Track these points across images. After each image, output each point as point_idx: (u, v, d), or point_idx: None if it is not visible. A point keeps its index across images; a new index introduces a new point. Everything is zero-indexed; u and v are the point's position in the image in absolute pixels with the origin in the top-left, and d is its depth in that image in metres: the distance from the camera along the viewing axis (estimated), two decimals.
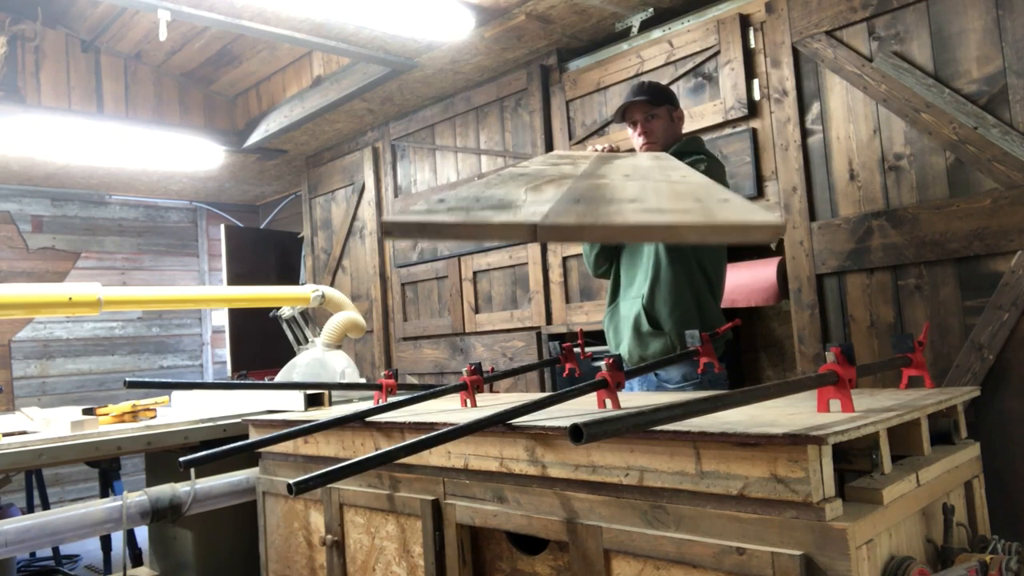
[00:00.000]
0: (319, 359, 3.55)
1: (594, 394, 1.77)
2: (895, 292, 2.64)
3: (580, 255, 3.52)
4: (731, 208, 1.01)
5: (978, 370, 2.41)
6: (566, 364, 2.41)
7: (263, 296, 3.74)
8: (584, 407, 1.82)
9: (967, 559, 1.43)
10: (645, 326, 2.46)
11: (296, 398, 2.70)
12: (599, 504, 1.53)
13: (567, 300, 3.79)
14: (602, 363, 1.76)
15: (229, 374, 6.26)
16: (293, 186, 6.57)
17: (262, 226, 7.29)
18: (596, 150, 2.48)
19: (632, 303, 2.52)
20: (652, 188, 1.26)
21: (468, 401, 2.19)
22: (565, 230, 0.95)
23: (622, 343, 2.57)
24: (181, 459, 1.88)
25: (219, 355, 6.92)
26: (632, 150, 2.65)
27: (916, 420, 1.50)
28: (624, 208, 1.05)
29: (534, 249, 3.93)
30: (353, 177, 5.17)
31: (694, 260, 2.46)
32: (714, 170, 2.40)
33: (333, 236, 5.39)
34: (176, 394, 3.44)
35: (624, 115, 2.55)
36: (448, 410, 2.16)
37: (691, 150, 2.50)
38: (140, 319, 6.57)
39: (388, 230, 0.99)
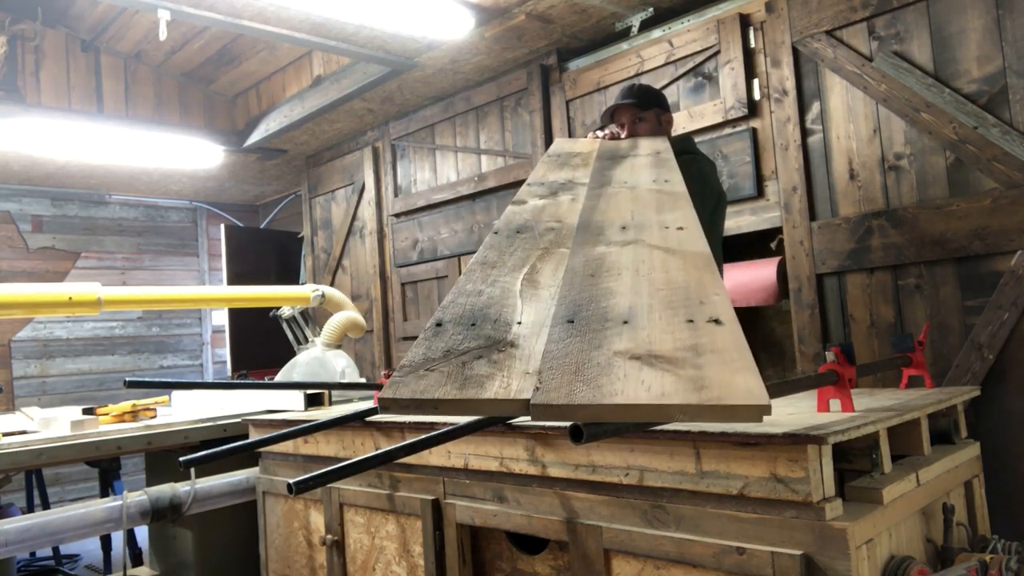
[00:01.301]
0: (319, 359, 3.55)
1: None
2: (895, 292, 2.63)
3: None
4: (720, 363, 1.03)
5: (978, 370, 2.41)
6: None
7: (263, 296, 3.74)
8: None
9: (967, 559, 1.43)
10: None
11: (296, 398, 2.70)
12: (599, 504, 1.53)
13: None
14: None
15: (229, 374, 6.26)
16: (293, 186, 6.57)
17: (262, 226, 7.29)
18: (597, 136, 2.48)
19: None
20: (647, 282, 1.27)
21: None
22: (556, 411, 0.99)
23: None
24: (181, 459, 1.88)
25: (219, 355, 6.92)
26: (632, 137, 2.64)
27: (916, 420, 1.50)
28: (614, 355, 1.07)
29: None
30: (353, 177, 5.17)
31: None
32: (705, 169, 2.41)
33: (333, 236, 5.39)
34: (176, 394, 3.44)
35: (612, 117, 2.55)
36: None
37: (682, 148, 2.49)
38: (140, 319, 6.57)
39: (386, 406, 1.03)
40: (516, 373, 1.05)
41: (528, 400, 0.98)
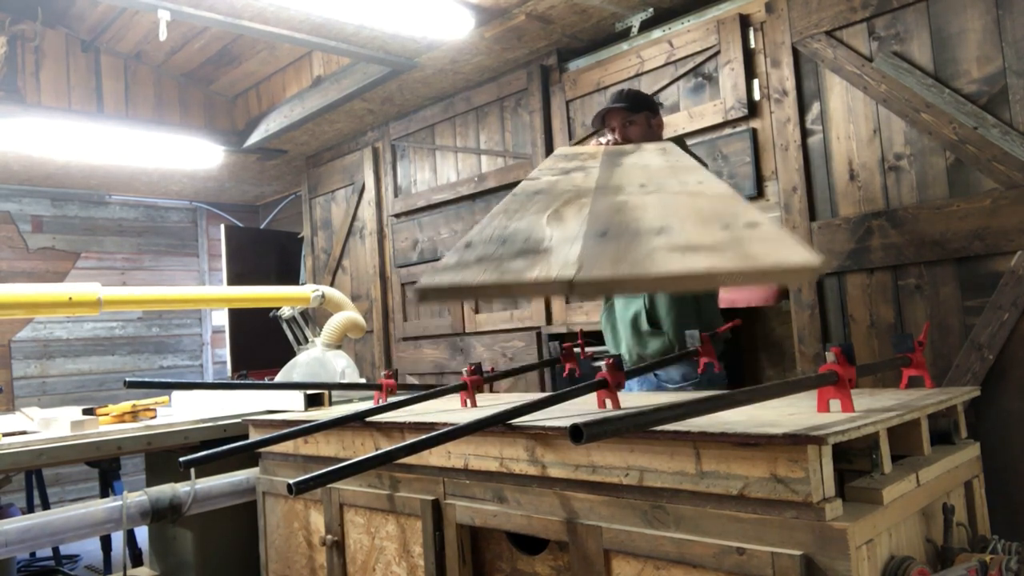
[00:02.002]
0: (319, 359, 3.55)
1: (594, 394, 1.77)
2: (895, 292, 2.64)
3: None
4: (763, 240, 0.99)
5: (978, 370, 2.41)
6: (566, 364, 2.41)
7: (263, 296, 3.74)
8: (584, 407, 1.82)
9: (967, 559, 1.43)
10: (644, 325, 2.46)
11: (296, 398, 2.70)
12: (599, 504, 1.53)
13: (567, 300, 3.79)
14: (602, 363, 1.76)
15: (229, 374, 6.25)
16: (293, 186, 6.57)
17: (262, 226, 7.29)
18: (600, 143, 2.47)
19: (628, 301, 2.52)
20: (674, 208, 1.23)
21: (468, 401, 2.19)
22: (600, 285, 0.94)
23: (621, 342, 2.57)
24: (181, 459, 1.88)
25: (219, 355, 6.92)
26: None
27: (916, 420, 1.50)
28: (654, 248, 1.02)
29: None
30: (353, 177, 5.17)
31: None
32: None
33: (333, 236, 5.39)
34: (176, 394, 3.44)
35: (603, 121, 2.56)
36: (448, 410, 2.16)
37: None
38: (140, 319, 6.57)
39: (424, 295, 0.99)
40: (555, 265, 1.01)
41: (571, 279, 0.94)
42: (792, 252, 0.92)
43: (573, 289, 0.94)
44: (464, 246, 1.17)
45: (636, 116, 2.51)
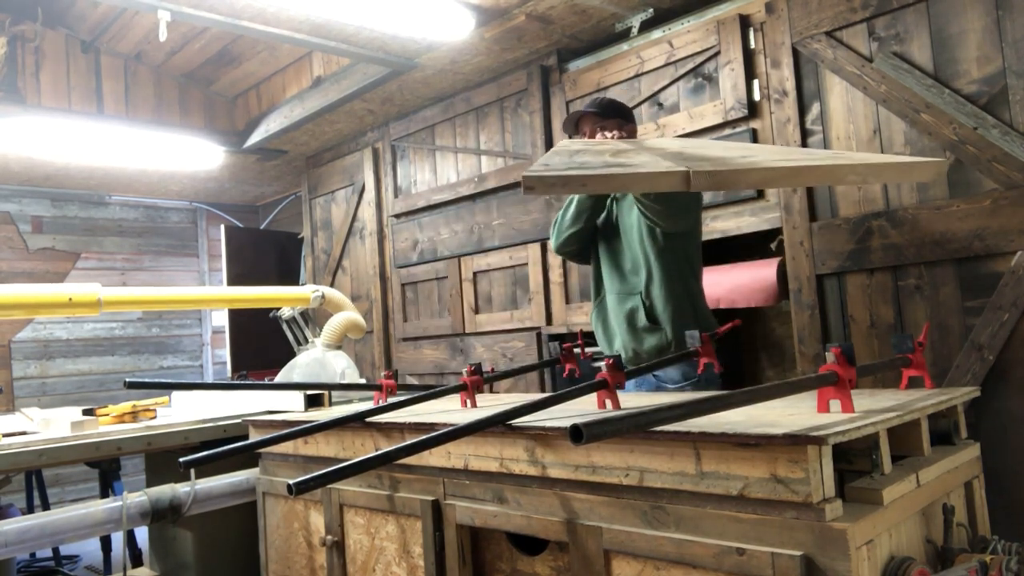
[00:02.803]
0: (319, 359, 3.55)
1: (594, 395, 1.77)
2: (895, 292, 2.63)
3: None
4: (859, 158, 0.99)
5: (978, 370, 2.41)
6: (566, 364, 2.41)
7: (263, 296, 3.74)
8: (584, 407, 1.82)
9: (967, 559, 1.43)
10: (642, 321, 2.47)
11: (296, 398, 2.70)
12: (599, 504, 1.53)
13: (567, 300, 3.79)
14: (602, 363, 1.76)
15: (229, 374, 6.25)
16: (293, 186, 6.57)
17: (262, 226, 7.29)
18: (607, 136, 2.47)
19: (623, 298, 2.53)
20: (755, 149, 1.22)
21: (468, 401, 2.19)
22: (719, 176, 0.92)
23: (614, 339, 2.58)
24: (181, 459, 1.87)
25: (219, 355, 6.92)
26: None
27: (916, 420, 1.50)
28: (753, 160, 1.01)
29: (534, 249, 3.93)
30: (353, 177, 5.17)
31: (682, 252, 2.46)
32: None
33: (333, 236, 5.39)
34: (176, 394, 3.44)
35: (576, 127, 2.57)
36: (448, 410, 2.16)
37: None
38: (140, 320, 6.57)
39: (531, 184, 0.95)
40: (661, 163, 0.98)
41: (687, 171, 0.92)
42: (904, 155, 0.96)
43: (691, 180, 0.91)
44: (568, 156, 1.10)
45: (607, 122, 2.51)
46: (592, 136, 2.50)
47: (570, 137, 2.60)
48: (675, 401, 1.30)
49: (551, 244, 2.76)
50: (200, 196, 6.85)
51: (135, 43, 4.75)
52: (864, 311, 2.70)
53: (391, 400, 2.22)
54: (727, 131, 3.12)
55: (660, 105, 3.38)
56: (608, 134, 2.49)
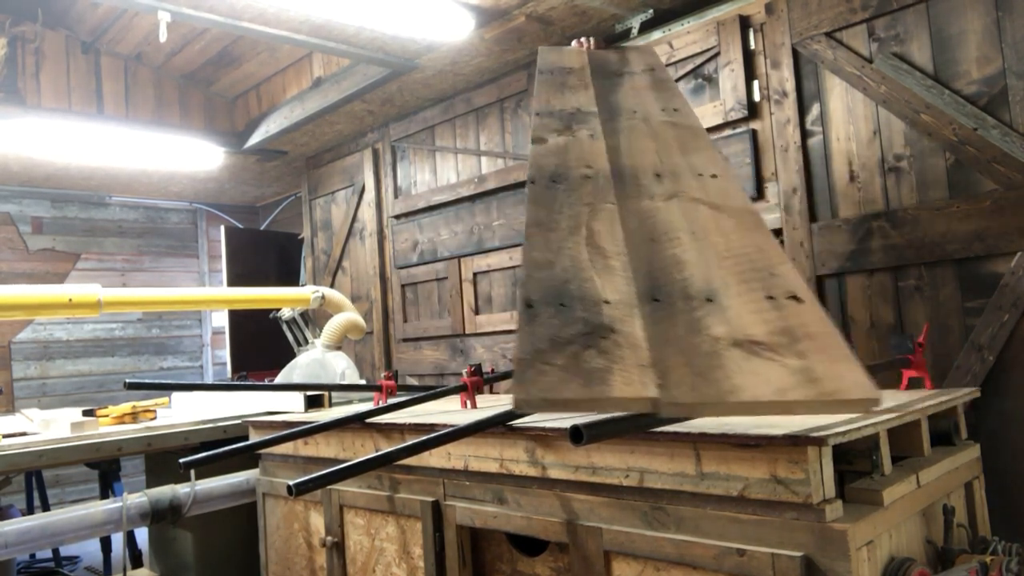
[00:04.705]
0: (319, 360, 3.55)
1: None
2: (895, 293, 2.63)
3: None
4: (819, 351, 1.06)
5: (978, 371, 2.41)
6: None
7: (263, 297, 3.74)
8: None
9: (967, 560, 1.43)
10: None
11: (296, 399, 2.70)
12: (599, 505, 1.53)
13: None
14: None
15: (229, 375, 6.25)
16: (293, 187, 6.57)
17: (262, 227, 7.29)
18: (581, 44, 2.62)
19: None
20: (714, 260, 1.30)
21: (468, 402, 2.19)
22: (685, 407, 1.02)
23: None
24: (181, 460, 1.88)
25: (219, 356, 6.92)
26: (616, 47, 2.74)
27: (916, 421, 1.50)
28: (718, 349, 1.09)
29: None
30: (353, 178, 5.17)
31: None
32: None
33: (333, 237, 5.39)
34: (176, 395, 3.44)
35: None
36: (448, 411, 2.16)
37: None
38: (140, 320, 6.57)
39: (521, 408, 1.06)
40: (631, 366, 1.05)
41: (657, 398, 1.01)
42: (851, 376, 1.03)
43: (660, 410, 1.02)
44: (527, 309, 1.19)
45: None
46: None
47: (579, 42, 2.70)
48: None
49: None
50: (200, 197, 6.85)
51: (135, 44, 4.75)
52: (864, 312, 2.70)
53: (391, 401, 2.22)
54: (727, 132, 3.12)
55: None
56: (585, 41, 2.61)
